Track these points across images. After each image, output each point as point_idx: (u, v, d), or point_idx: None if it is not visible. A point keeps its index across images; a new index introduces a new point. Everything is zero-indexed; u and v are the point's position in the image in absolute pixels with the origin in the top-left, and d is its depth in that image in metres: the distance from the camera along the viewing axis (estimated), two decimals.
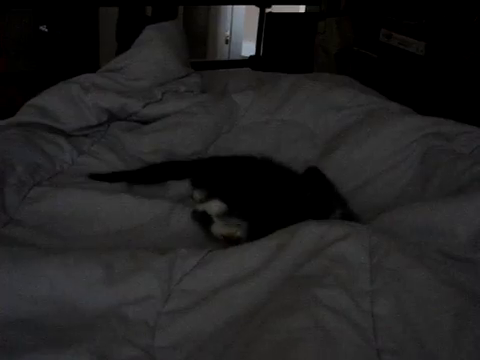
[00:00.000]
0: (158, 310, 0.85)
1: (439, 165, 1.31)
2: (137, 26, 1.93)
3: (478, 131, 1.42)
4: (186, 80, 1.83)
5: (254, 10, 2.82)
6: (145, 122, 1.62)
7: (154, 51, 1.79)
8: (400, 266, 0.85)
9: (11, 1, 2.18)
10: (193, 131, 1.56)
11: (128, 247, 1.03)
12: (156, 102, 1.65)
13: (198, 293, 0.88)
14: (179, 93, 1.74)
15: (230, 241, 1.10)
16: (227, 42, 4.02)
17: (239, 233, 1.10)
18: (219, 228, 1.12)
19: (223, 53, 4.02)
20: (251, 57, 2.84)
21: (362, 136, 1.49)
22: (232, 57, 3.95)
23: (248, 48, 3.59)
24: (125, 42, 1.99)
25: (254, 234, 1.04)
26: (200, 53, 3.94)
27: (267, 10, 2.74)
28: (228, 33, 4.01)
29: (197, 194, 1.30)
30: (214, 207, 1.17)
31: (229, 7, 3.95)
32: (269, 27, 2.73)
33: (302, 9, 3.45)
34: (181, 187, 1.33)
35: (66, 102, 1.49)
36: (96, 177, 1.29)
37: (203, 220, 1.15)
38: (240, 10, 3.96)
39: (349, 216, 1.12)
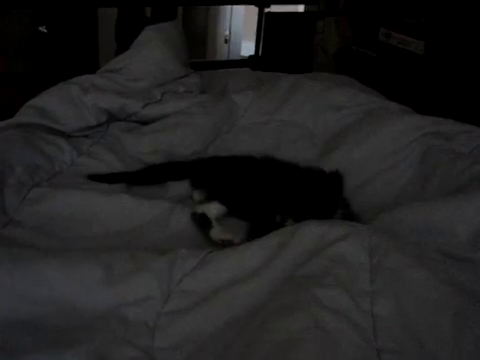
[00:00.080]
0: (158, 311, 0.85)
1: (439, 164, 1.30)
2: (136, 27, 1.93)
3: (478, 130, 1.42)
4: (185, 80, 1.83)
5: (253, 10, 2.82)
6: (144, 123, 1.62)
7: (153, 52, 1.79)
8: (400, 266, 0.85)
9: (11, 2, 2.18)
10: (192, 131, 1.56)
11: (128, 248, 1.03)
12: (155, 102, 1.65)
13: (198, 294, 0.88)
14: (178, 93, 1.74)
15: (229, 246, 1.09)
16: (226, 42, 4.02)
17: (238, 239, 1.09)
18: (218, 233, 1.12)
19: (222, 53, 4.02)
20: (250, 57, 2.84)
21: (361, 136, 1.49)
22: (231, 57, 3.95)
23: (247, 48, 3.59)
24: (124, 43, 1.99)
25: (254, 235, 1.04)
26: (199, 53, 3.94)
27: (266, 10, 2.74)
28: (227, 33, 4.01)
29: (196, 195, 1.30)
30: (213, 210, 1.17)
31: (228, 7, 3.95)
32: (268, 27, 2.73)
33: (301, 9, 3.45)
34: (181, 188, 1.33)
35: (65, 103, 1.49)
36: (95, 178, 1.29)
37: (202, 223, 1.15)
38: (239, 10, 3.96)
39: (349, 216, 1.12)
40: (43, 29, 2.95)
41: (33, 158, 1.27)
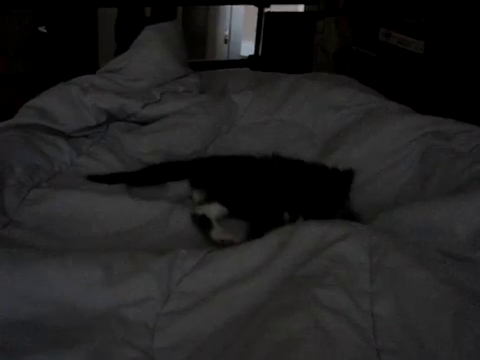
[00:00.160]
0: (157, 311, 0.85)
1: (438, 164, 1.30)
2: (136, 27, 1.93)
3: (477, 130, 1.42)
4: (185, 80, 1.83)
5: (253, 10, 2.81)
6: (144, 123, 1.62)
7: (153, 52, 1.79)
8: (400, 266, 0.85)
9: (10, 2, 2.18)
10: (192, 131, 1.56)
11: (127, 248, 1.03)
12: (155, 103, 1.65)
13: (197, 294, 0.88)
14: (178, 93, 1.74)
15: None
16: (226, 42, 4.02)
17: (238, 240, 1.09)
18: (219, 234, 1.12)
19: (222, 53, 4.02)
20: (250, 57, 2.84)
21: (361, 135, 1.49)
22: (231, 57, 3.95)
23: (247, 48, 3.59)
24: (124, 43, 1.99)
25: (255, 235, 1.04)
26: (199, 53, 3.94)
27: (266, 10, 2.74)
28: (227, 33, 4.01)
29: (196, 195, 1.30)
30: (213, 211, 1.17)
31: (228, 7, 3.95)
32: (268, 27, 2.72)
33: (301, 8, 3.45)
34: (180, 188, 1.33)
35: (65, 103, 1.49)
36: (94, 178, 1.29)
37: (202, 224, 1.15)
38: (239, 10, 3.96)
39: (349, 216, 1.12)
40: (43, 29, 2.95)
41: (33, 158, 1.27)
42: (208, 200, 1.21)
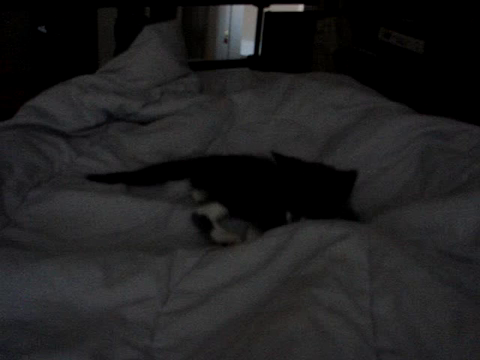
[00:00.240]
0: (157, 311, 0.85)
1: (438, 164, 1.30)
2: (136, 27, 1.93)
3: (477, 129, 1.42)
4: (184, 80, 1.83)
5: (253, 9, 2.81)
6: (144, 122, 1.62)
7: (152, 52, 1.79)
8: (399, 266, 0.85)
9: (10, 2, 2.18)
10: (192, 131, 1.56)
11: (127, 248, 1.03)
12: (154, 102, 1.65)
13: (197, 293, 0.88)
14: (177, 93, 1.74)
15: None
16: (226, 42, 4.01)
17: (239, 240, 1.09)
18: (219, 235, 1.12)
19: (222, 53, 4.02)
20: (249, 57, 2.84)
21: (361, 135, 1.49)
22: (231, 57, 3.95)
23: (247, 47, 3.59)
24: (124, 43, 1.99)
25: (256, 235, 1.04)
26: (199, 53, 3.94)
27: (265, 9, 2.74)
28: (227, 33, 4.01)
29: (196, 194, 1.30)
30: (214, 211, 1.16)
31: (227, 7, 3.95)
32: (267, 26, 2.72)
33: (300, 8, 3.45)
34: (180, 187, 1.33)
35: (64, 103, 1.49)
36: (94, 178, 1.29)
37: (203, 225, 1.14)
38: (239, 10, 3.96)
39: (349, 215, 1.12)
40: (42, 29, 2.95)
41: (32, 159, 1.27)
42: (208, 200, 1.21)
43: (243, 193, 1.21)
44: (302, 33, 2.79)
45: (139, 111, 1.59)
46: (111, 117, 1.58)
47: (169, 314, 0.85)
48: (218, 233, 1.12)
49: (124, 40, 2.06)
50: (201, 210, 1.17)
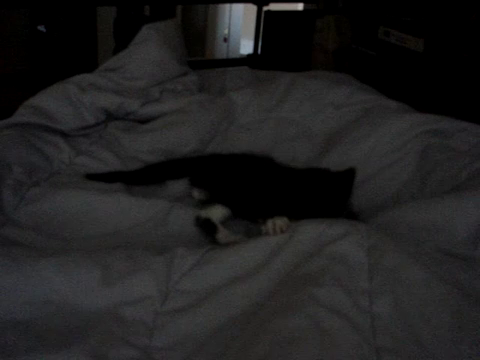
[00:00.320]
0: (156, 310, 0.85)
1: (437, 162, 1.30)
2: (135, 25, 1.92)
3: (476, 128, 1.42)
4: (184, 79, 1.83)
5: (252, 8, 2.81)
6: (143, 121, 1.62)
7: (152, 50, 1.79)
8: (398, 264, 0.85)
9: (9, 1, 2.18)
10: (191, 130, 1.56)
11: (126, 247, 1.03)
12: (154, 101, 1.65)
13: (196, 293, 0.88)
14: (177, 92, 1.74)
15: None
16: (226, 40, 4.01)
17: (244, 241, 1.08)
18: (224, 238, 1.10)
19: (222, 52, 4.01)
20: (249, 55, 2.84)
21: (360, 134, 1.49)
22: (231, 55, 3.95)
23: (246, 46, 3.59)
24: (123, 41, 1.98)
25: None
26: (198, 52, 3.94)
27: (265, 8, 2.73)
28: (226, 32, 4.00)
29: (196, 193, 1.29)
30: (217, 213, 1.16)
31: (227, 5, 3.94)
32: (267, 25, 2.72)
33: (300, 7, 3.44)
34: (179, 186, 1.33)
35: (63, 102, 1.49)
36: (93, 177, 1.29)
37: (207, 228, 1.13)
38: (238, 8, 3.95)
39: (348, 214, 1.12)
40: (42, 28, 2.95)
41: (31, 158, 1.27)
42: (210, 202, 1.20)
43: (242, 192, 1.20)
44: (302, 32, 2.78)
45: (138, 110, 1.59)
46: (110, 116, 1.57)
47: (168, 313, 0.85)
48: (223, 236, 1.11)
49: (123, 39, 2.06)
50: (204, 213, 1.16)
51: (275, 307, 0.80)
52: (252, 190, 1.19)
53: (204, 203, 1.24)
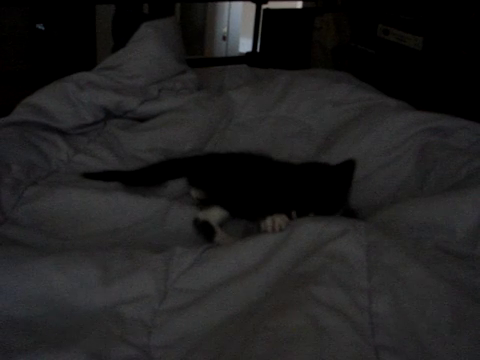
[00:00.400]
0: (154, 309, 0.85)
1: (437, 160, 1.30)
2: (134, 24, 1.92)
3: (476, 126, 1.42)
4: (182, 77, 1.82)
5: (251, 6, 2.81)
6: (141, 120, 1.62)
7: (150, 49, 1.78)
8: (397, 263, 0.85)
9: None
10: (189, 128, 1.55)
11: (124, 246, 1.03)
12: (152, 100, 1.64)
13: (195, 291, 0.88)
14: (175, 90, 1.74)
15: None
16: (224, 39, 4.01)
17: None
18: (222, 240, 1.10)
19: (221, 50, 4.01)
20: (248, 54, 2.83)
21: (359, 132, 1.48)
22: (229, 54, 3.95)
23: (245, 44, 3.58)
24: (122, 40, 1.98)
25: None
26: (197, 50, 3.94)
27: (264, 6, 2.73)
28: (225, 30, 4.00)
29: (194, 192, 1.29)
30: (215, 216, 1.15)
31: (226, 4, 3.94)
32: (266, 23, 2.72)
33: (299, 5, 3.44)
34: (178, 185, 1.33)
35: (62, 100, 1.48)
36: (90, 176, 1.28)
37: (205, 231, 1.13)
38: (237, 7, 3.95)
39: (347, 212, 1.11)
40: (41, 27, 2.95)
41: (29, 156, 1.26)
42: (208, 203, 1.20)
43: (241, 191, 1.20)
44: (301, 30, 2.78)
45: (137, 108, 1.59)
46: (109, 114, 1.57)
47: (167, 312, 0.84)
48: (221, 238, 1.11)
49: (122, 37, 2.05)
50: (202, 215, 1.16)
51: (274, 305, 0.80)
52: (250, 189, 1.18)
53: (202, 202, 1.24)
